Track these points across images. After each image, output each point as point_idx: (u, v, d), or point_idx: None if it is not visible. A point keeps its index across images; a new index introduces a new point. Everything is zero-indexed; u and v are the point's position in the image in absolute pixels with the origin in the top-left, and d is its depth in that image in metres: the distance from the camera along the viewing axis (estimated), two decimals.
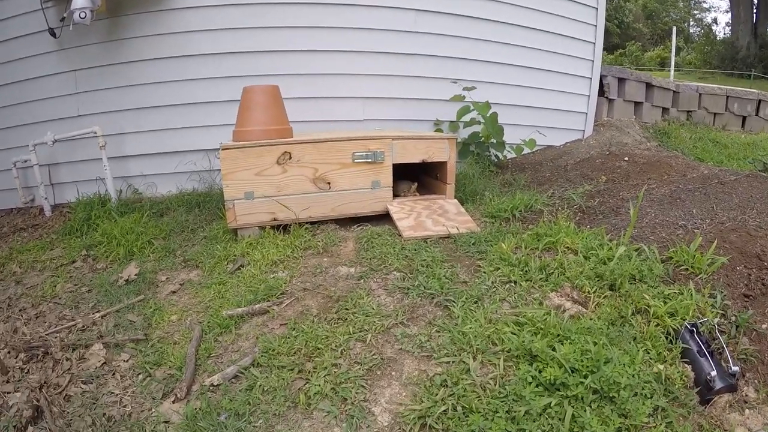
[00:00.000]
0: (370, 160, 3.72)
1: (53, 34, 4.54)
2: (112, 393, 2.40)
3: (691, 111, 7.99)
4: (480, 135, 5.17)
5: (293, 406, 2.12)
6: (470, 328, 2.39)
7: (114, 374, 2.53)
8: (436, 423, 1.95)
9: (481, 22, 5.38)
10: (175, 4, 4.63)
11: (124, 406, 2.31)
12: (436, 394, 2.05)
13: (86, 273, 3.61)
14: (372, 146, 3.71)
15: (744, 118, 8.52)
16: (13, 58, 4.81)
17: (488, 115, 5.01)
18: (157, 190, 4.95)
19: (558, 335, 2.25)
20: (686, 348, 2.27)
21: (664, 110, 7.68)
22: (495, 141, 5.16)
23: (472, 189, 4.42)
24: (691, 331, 2.31)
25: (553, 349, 2.14)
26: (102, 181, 4.69)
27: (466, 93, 5.06)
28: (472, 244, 3.31)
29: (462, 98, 5.04)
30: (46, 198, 4.83)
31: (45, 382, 2.46)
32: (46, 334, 2.84)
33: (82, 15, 4.05)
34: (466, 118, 5.19)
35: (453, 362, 2.23)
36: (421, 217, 3.67)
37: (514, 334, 2.32)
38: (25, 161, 4.77)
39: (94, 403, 2.34)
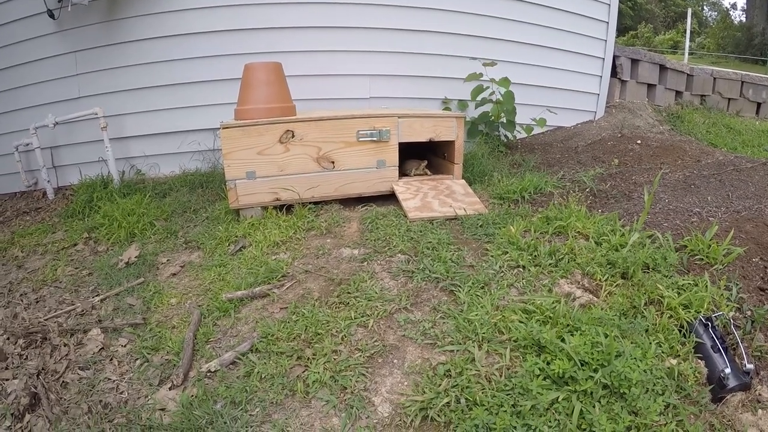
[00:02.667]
0: (375, 139, 3.64)
1: (52, 16, 4.50)
2: (109, 379, 2.36)
3: (704, 95, 7.84)
4: (490, 114, 5.06)
5: (291, 394, 2.06)
6: (476, 315, 2.32)
7: (111, 360, 2.49)
8: (438, 415, 1.88)
9: None
10: None
11: (121, 393, 2.28)
12: (439, 385, 1.99)
13: (87, 256, 3.58)
14: (377, 124, 3.63)
15: (759, 104, 8.36)
16: (12, 41, 4.77)
17: (506, 92, 4.92)
18: (160, 171, 4.91)
19: (567, 325, 2.17)
20: (700, 343, 2.18)
21: (678, 94, 7.53)
22: (505, 120, 5.06)
23: (481, 169, 4.34)
24: (706, 325, 2.22)
25: (563, 341, 2.06)
26: (104, 162, 4.65)
27: (483, 70, 4.93)
28: (480, 226, 3.23)
29: (479, 76, 4.92)
30: (48, 181, 4.80)
31: (43, 369, 2.43)
32: (45, 320, 2.81)
33: None
34: (479, 97, 5.08)
35: (457, 351, 2.15)
36: (428, 198, 3.60)
37: (522, 322, 2.24)
38: (27, 144, 4.74)
39: (90, 390, 2.30)
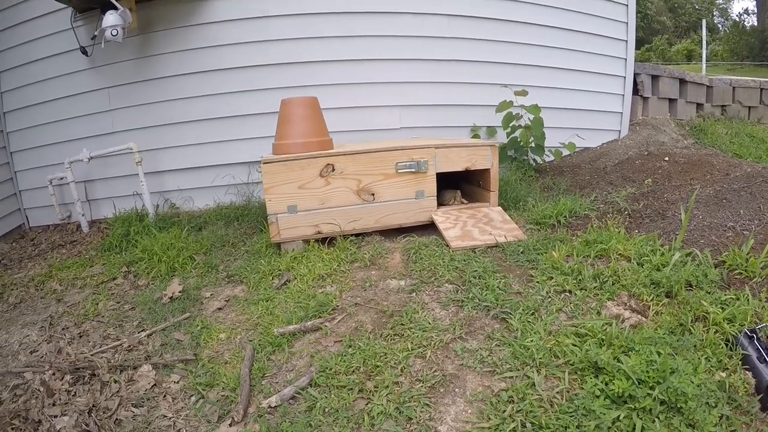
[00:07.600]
0: (413, 170, 3.69)
1: (85, 53, 4.63)
2: (165, 416, 2.34)
3: (725, 105, 7.83)
4: (519, 140, 5.09)
5: (357, 427, 2.07)
6: (531, 341, 2.34)
7: (165, 396, 2.47)
8: None
9: (515, 25, 5.34)
10: (207, 19, 4.66)
11: (178, 430, 2.26)
12: (504, 411, 2.00)
13: (128, 290, 3.61)
14: (415, 156, 3.68)
15: None
16: (46, 77, 4.89)
17: (535, 117, 4.94)
18: (194, 204, 4.98)
19: (621, 346, 2.19)
20: (746, 354, 2.22)
21: (698, 106, 7.53)
22: (534, 145, 5.09)
23: (514, 195, 4.37)
24: (750, 337, 2.25)
25: (619, 361, 2.08)
26: (139, 196, 4.73)
27: (514, 98, 4.98)
28: (521, 252, 3.25)
29: (510, 104, 4.97)
30: (83, 214, 4.88)
31: (94, 406, 2.41)
32: (92, 355, 2.79)
33: (114, 32, 4.09)
34: (510, 124, 5.11)
35: (517, 377, 2.17)
36: (467, 227, 3.62)
37: (576, 346, 2.27)
38: (61, 178, 4.83)
39: (146, 428, 2.27)
